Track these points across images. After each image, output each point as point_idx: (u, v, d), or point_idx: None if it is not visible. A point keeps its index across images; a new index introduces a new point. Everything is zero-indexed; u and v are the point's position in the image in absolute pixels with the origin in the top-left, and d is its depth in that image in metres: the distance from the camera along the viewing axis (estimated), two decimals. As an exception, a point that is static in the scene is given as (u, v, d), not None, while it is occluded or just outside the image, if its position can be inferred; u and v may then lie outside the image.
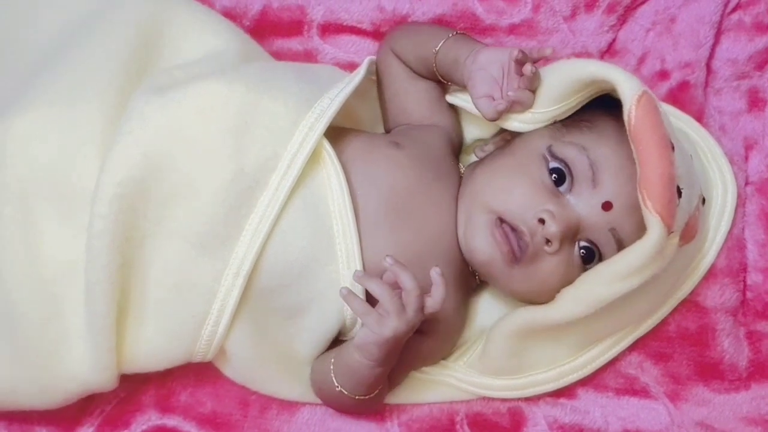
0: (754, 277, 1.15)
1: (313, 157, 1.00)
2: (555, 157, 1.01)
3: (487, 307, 1.15)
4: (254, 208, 0.98)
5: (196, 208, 0.96)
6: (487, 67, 1.04)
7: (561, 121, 1.05)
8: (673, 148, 0.95)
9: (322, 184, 1.01)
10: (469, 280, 1.10)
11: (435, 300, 0.96)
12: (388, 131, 1.18)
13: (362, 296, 0.99)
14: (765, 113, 1.21)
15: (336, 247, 1.00)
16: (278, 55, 1.22)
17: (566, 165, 1.00)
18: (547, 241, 0.98)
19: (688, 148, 1.06)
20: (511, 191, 1.00)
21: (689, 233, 1.03)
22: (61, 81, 1.02)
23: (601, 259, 1.00)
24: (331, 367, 1.02)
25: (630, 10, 1.23)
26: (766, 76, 1.21)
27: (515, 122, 1.05)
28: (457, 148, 1.16)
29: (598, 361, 1.10)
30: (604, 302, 0.98)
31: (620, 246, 0.99)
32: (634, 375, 1.13)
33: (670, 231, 0.94)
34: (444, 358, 1.12)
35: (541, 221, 0.98)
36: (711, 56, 1.22)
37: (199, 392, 1.12)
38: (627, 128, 0.94)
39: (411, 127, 1.14)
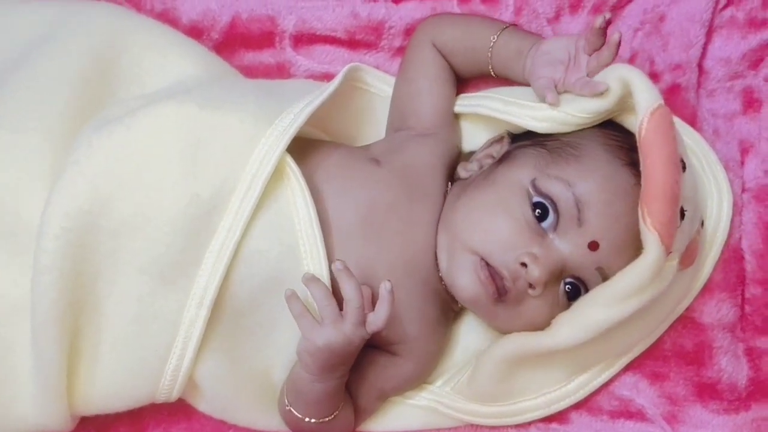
0: (752, 290, 1.10)
1: (277, 175, 0.95)
2: (539, 193, 0.96)
3: (474, 330, 1.11)
4: (214, 233, 0.93)
5: (152, 239, 0.91)
6: (552, 51, 1.01)
7: (547, 146, 1.00)
8: (684, 168, 0.92)
9: (287, 202, 0.95)
10: (450, 303, 1.05)
11: (377, 317, 0.92)
12: (389, 127, 1.14)
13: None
14: (761, 114, 1.16)
15: (303, 267, 0.95)
16: (249, 69, 1.17)
17: (551, 201, 0.95)
18: (530, 285, 0.94)
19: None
20: (492, 232, 0.96)
21: (689, 257, 0.99)
22: (6, 107, 0.96)
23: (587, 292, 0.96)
24: (284, 384, 0.99)
25: (617, 9, 1.18)
26: (761, 75, 1.16)
27: (544, 123, 1.00)
28: (454, 161, 1.10)
29: (591, 385, 1.06)
30: (602, 328, 0.93)
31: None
32: (629, 397, 1.09)
33: (668, 251, 0.90)
34: (428, 382, 1.08)
35: (524, 265, 0.93)
36: (703, 56, 1.17)
37: (173, 428, 1.08)
38: (637, 139, 0.90)
39: (407, 138, 1.08)
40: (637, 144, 0.90)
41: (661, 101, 0.91)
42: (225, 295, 0.94)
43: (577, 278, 0.95)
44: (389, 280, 0.92)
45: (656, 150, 0.89)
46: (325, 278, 0.95)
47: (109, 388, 0.97)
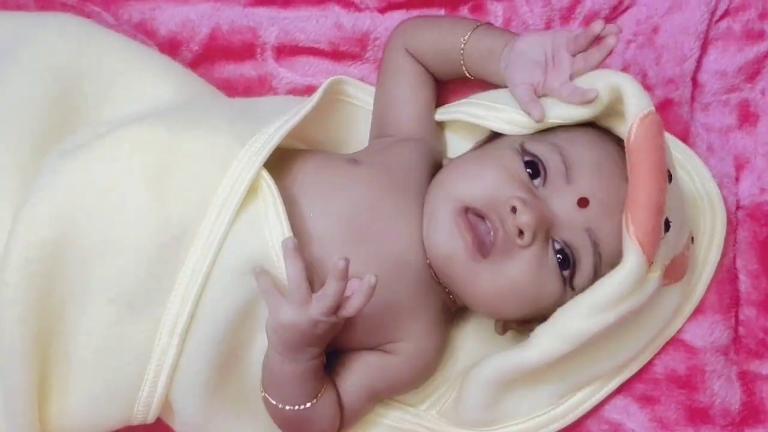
0: (746, 312, 1.08)
1: (251, 192, 0.92)
2: (527, 152, 0.94)
3: (463, 350, 1.07)
4: (185, 260, 0.90)
5: (119, 267, 0.88)
6: (527, 51, 0.97)
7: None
8: (670, 179, 0.89)
9: (257, 217, 0.92)
10: (446, 301, 1.01)
11: (350, 306, 0.89)
12: (372, 135, 1.11)
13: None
14: (757, 129, 1.13)
15: (279, 278, 0.92)
16: (230, 82, 1.14)
17: (540, 160, 0.93)
18: (520, 233, 0.90)
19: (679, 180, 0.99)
20: (481, 178, 0.93)
21: (677, 273, 0.97)
22: None
23: (576, 264, 0.92)
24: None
25: (609, 20, 1.15)
26: (758, 88, 1.14)
27: (516, 128, 0.97)
28: (436, 163, 1.06)
29: (580, 409, 1.03)
30: (582, 337, 0.91)
31: (595, 249, 0.91)
32: (619, 421, 1.06)
33: (650, 261, 0.87)
34: (413, 405, 1.05)
35: (513, 210, 0.90)
36: (697, 68, 1.14)
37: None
38: (626, 145, 0.88)
39: (387, 143, 1.06)
40: (625, 149, 0.88)
41: (652, 108, 0.88)
42: (198, 321, 0.91)
43: (567, 244, 0.92)
44: (376, 276, 0.88)
45: (644, 156, 0.86)
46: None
47: (82, 417, 0.94)
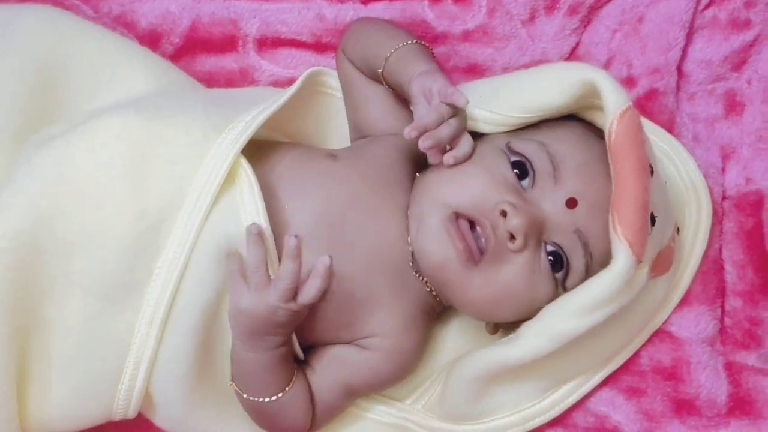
0: (732, 302, 1.07)
1: (228, 179, 0.91)
2: (514, 152, 0.93)
3: (447, 345, 1.07)
4: (163, 249, 0.89)
5: (97, 258, 0.87)
6: (419, 97, 0.96)
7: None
8: (651, 172, 0.88)
9: (234, 202, 0.91)
10: (430, 301, 0.99)
11: (308, 290, 0.89)
12: (351, 138, 1.10)
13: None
14: (743, 118, 1.12)
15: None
16: (211, 75, 1.13)
17: (527, 159, 0.92)
18: (511, 237, 0.89)
19: (661, 171, 0.97)
20: (469, 183, 0.91)
21: (663, 265, 0.96)
22: None
23: (569, 266, 0.91)
24: None
25: (594, 10, 1.14)
26: (744, 78, 1.13)
27: (481, 123, 0.97)
28: (418, 155, 1.03)
29: (566, 402, 1.03)
30: (569, 337, 0.90)
31: (586, 250, 0.91)
32: (605, 413, 1.05)
33: (639, 261, 0.86)
34: (398, 399, 1.05)
35: (503, 214, 0.89)
36: (683, 58, 1.13)
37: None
38: (607, 143, 0.87)
39: (366, 141, 1.05)
40: (607, 148, 0.87)
41: (630, 102, 0.87)
42: (176, 310, 0.90)
43: (558, 245, 0.91)
44: (330, 256, 0.89)
45: (626, 154, 0.86)
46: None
47: (62, 411, 0.93)
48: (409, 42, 1.01)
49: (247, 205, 0.90)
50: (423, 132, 0.90)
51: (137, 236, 0.88)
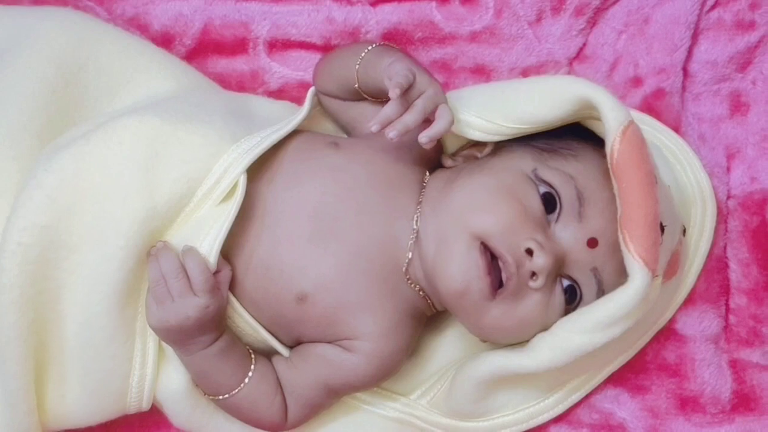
0: (737, 300, 1.08)
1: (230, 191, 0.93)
2: (543, 181, 0.92)
3: (452, 340, 1.07)
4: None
5: (107, 255, 0.89)
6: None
7: (539, 146, 0.96)
8: (656, 181, 0.88)
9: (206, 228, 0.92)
10: (420, 305, 0.99)
11: (194, 279, 0.89)
12: None
13: None
14: (748, 118, 1.13)
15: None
16: (223, 76, 1.14)
17: (556, 192, 0.91)
18: (533, 275, 0.89)
19: (667, 173, 0.98)
20: (497, 212, 0.89)
21: (672, 269, 0.97)
22: None
23: (581, 300, 0.92)
24: None
25: (600, 11, 1.15)
26: (749, 78, 1.14)
27: (477, 132, 0.96)
28: (431, 153, 1.02)
29: (570, 399, 1.04)
30: (585, 352, 0.90)
31: (599, 288, 0.91)
32: (610, 410, 1.06)
33: (654, 276, 0.87)
34: (403, 394, 1.05)
35: (529, 252, 0.88)
36: (689, 58, 1.14)
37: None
38: (609, 161, 0.87)
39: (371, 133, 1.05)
40: (610, 166, 0.87)
41: (630, 117, 0.88)
42: None
43: (574, 280, 0.91)
44: (164, 241, 0.91)
45: (633, 171, 0.85)
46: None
47: (79, 405, 0.95)
48: (369, 48, 0.99)
49: (210, 236, 0.91)
50: (386, 123, 0.88)
51: (147, 234, 0.90)
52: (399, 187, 0.97)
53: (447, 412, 1.03)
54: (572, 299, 0.92)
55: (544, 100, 0.92)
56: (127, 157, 0.90)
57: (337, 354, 0.96)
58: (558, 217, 0.91)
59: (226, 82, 1.15)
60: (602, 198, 0.90)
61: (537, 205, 0.91)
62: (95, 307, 0.91)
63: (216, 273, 0.91)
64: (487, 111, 0.96)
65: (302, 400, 0.99)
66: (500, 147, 0.99)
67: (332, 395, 1.00)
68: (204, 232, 0.91)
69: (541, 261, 0.88)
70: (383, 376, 0.99)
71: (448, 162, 1.03)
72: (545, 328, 0.93)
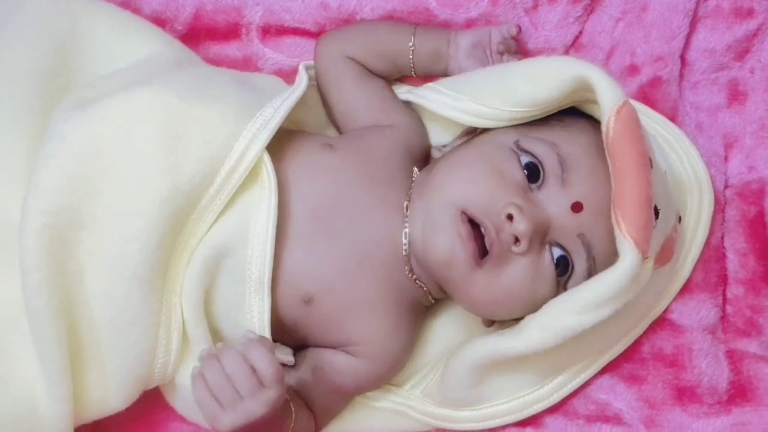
0: (734, 290, 1.07)
1: (253, 171, 0.92)
2: (524, 151, 0.92)
3: (444, 331, 1.07)
4: (185, 226, 0.91)
5: (128, 235, 0.88)
6: (473, 53, 1.03)
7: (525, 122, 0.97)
8: (651, 164, 0.88)
9: (253, 198, 0.92)
10: (419, 297, 0.99)
11: (263, 373, 0.86)
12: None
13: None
14: (746, 108, 1.12)
15: (247, 255, 0.92)
16: (215, 63, 1.13)
17: (538, 161, 0.92)
18: (516, 240, 0.89)
19: (662, 161, 0.97)
20: (476, 181, 0.91)
21: (666, 255, 0.96)
22: None
23: (573, 270, 0.92)
24: None
25: (599, -1, 1.14)
26: (747, 67, 1.13)
27: (477, 118, 0.97)
28: (418, 151, 1.05)
29: (565, 389, 1.03)
30: (574, 332, 0.89)
31: (589, 254, 0.91)
32: (606, 400, 1.05)
33: (644, 257, 0.86)
34: (397, 385, 1.05)
35: (509, 217, 0.88)
36: (686, 47, 1.13)
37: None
38: (604, 140, 0.86)
39: (360, 129, 1.05)
40: (605, 145, 0.87)
41: (625, 97, 0.87)
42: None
43: (563, 247, 0.91)
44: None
45: (627, 150, 0.85)
46: (266, 285, 0.92)
47: (115, 389, 0.94)
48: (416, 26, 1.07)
49: (261, 216, 0.91)
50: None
51: (168, 216, 0.89)
52: (391, 185, 0.98)
53: (440, 401, 1.02)
54: (564, 270, 0.91)
55: (542, 81, 0.92)
56: (147, 139, 0.89)
57: (345, 362, 0.97)
58: (541, 185, 0.91)
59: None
60: (587, 164, 0.90)
61: (519, 174, 0.91)
62: (116, 290, 0.89)
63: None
64: (483, 95, 0.96)
65: (322, 410, 1.01)
66: (486, 129, 1.00)
67: (347, 398, 1.03)
68: (246, 236, 0.91)
69: (521, 226, 0.88)
70: (393, 374, 1.01)
71: (436, 153, 1.04)
72: (537, 305, 0.92)
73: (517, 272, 0.91)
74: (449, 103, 0.99)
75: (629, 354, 1.05)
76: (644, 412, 1.05)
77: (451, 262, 0.91)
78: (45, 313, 0.87)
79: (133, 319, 0.91)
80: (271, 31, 1.14)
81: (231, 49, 1.14)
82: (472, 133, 1.03)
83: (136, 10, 1.11)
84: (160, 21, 1.12)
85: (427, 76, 1.09)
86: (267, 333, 0.93)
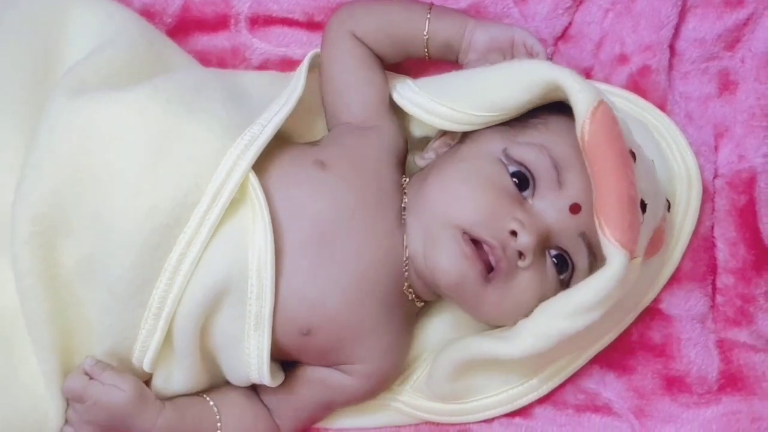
0: (724, 280, 1.07)
1: (240, 189, 0.91)
2: (513, 161, 0.91)
3: (434, 328, 1.06)
4: (173, 246, 0.89)
5: (108, 248, 0.88)
6: (488, 58, 1.01)
7: (509, 123, 0.96)
8: (634, 158, 0.87)
9: (245, 222, 0.90)
10: (411, 307, 0.99)
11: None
12: (328, 125, 1.08)
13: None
14: (737, 97, 1.11)
15: (248, 291, 0.91)
16: (204, 53, 1.13)
17: (526, 168, 0.91)
18: (520, 255, 0.89)
19: (651, 149, 0.97)
20: (473, 200, 0.90)
21: (655, 246, 0.95)
22: None
23: (574, 267, 0.92)
24: None
25: (589, -12, 1.13)
26: (737, 56, 1.12)
27: (451, 123, 0.97)
28: (402, 152, 1.04)
29: (554, 380, 1.03)
30: (566, 336, 0.89)
31: (591, 251, 0.90)
32: (595, 390, 1.05)
33: (632, 257, 0.85)
34: (376, 396, 1.04)
35: (513, 233, 0.88)
36: (676, 37, 1.12)
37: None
38: (581, 144, 0.86)
39: (348, 131, 1.03)
40: (581, 149, 0.86)
41: (599, 97, 0.87)
42: (181, 305, 0.91)
43: (562, 249, 0.91)
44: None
45: (603, 153, 0.84)
46: (268, 304, 0.91)
47: None
48: (430, 6, 1.05)
49: (257, 235, 0.90)
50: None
51: (149, 231, 0.88)
52: (385, 201, 0.97)
53: (429, 395, 1.02)
54: (563, 267, 0.91)
55: (512, 86, 0.92)
56: (130, 153, 0.88)
57: (338, 379, 0.97)
58: (534, 192, 0.90)
59: (206, 59, 1.13)
60: (580, 161, 0.89)
61: (509, 184, 0.91)
62: (97, 300, 0.90)
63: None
64: (456, 101, 0.96)
65: (299, 420, 1.01)
66: (468, 133, 0.99)
67: (331, 411, 1.02)
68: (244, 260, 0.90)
69: (525, 240, 0.87)
70: (384, 388, 1.01)
71: (420, 161, 1.03)
72: (543, 299, 0.92)
73: (525, 284, 0.91)
74: (425, 106, 0.98)
75: (618, 344, 1.05)
76: (634, 402, 1.04)
77: (461, 283, 0.90)
78: (38, 316, 0.89)
79: (110, 329, 0.92)
80: (260, 21, 1.14)
81: (219, 40, 1.13)
82: (450, 133, 1.02)
83: (126, 3, 1.11)
84: (149, 14, 1.12)
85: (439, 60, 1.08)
86: (266, 368, 0.92)
